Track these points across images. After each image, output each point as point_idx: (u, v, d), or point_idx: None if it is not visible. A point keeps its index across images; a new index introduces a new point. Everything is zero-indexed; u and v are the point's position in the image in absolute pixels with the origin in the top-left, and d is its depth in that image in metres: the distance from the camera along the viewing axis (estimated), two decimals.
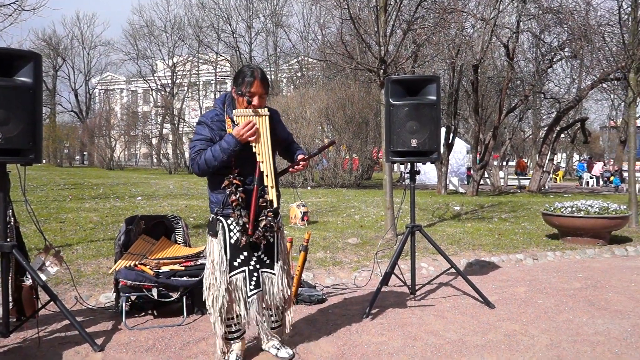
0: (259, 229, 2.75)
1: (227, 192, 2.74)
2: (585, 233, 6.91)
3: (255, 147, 2.73)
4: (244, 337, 2.96)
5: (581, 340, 3.36)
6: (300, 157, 2.97)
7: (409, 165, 4.32)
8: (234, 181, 2.74)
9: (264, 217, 2.76)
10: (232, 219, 2.76)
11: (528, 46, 17.09)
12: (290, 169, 2.99)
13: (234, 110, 2.78)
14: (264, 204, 2.77)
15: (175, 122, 37.94)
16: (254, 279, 2.81)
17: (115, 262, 3.85)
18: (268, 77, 2.91)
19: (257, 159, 2.73)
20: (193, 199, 11.92)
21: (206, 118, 2.83)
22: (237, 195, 2.73)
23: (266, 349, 3.06)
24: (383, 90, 5.64)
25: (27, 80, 3.04)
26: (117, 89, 53.29)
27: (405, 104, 4.03)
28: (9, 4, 6.57)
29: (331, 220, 8.73)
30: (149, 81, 42.15)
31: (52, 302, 3.29)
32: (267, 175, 2.71)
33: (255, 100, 2.74)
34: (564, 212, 6.99)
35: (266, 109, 2.79)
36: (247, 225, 2.72)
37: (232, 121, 2.77)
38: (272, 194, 2.71)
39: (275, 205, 2.74)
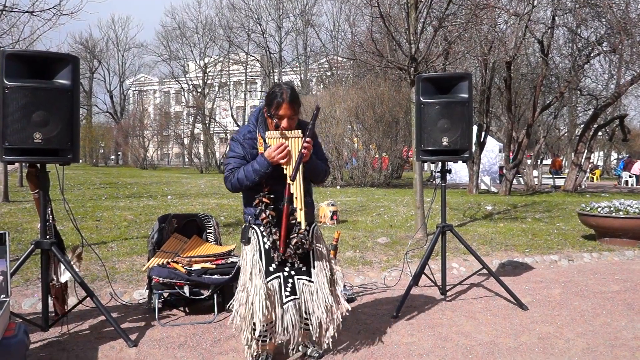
0: (290, 246, 2.76)
1: (258, 211, 2.77)
2: (624, 234, 6.69)
3: (286, 169, 2.74)
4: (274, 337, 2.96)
5: (619, 345, 3.26)
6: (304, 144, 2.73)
7: (439, 164, 4.26)
8: (264, 200, 2.76)
9: (295, 235, 2.77)
10: (264, 227, 2.80)
11: (564, 41, 16.64)
12: (302, 159, 2.74)
13: (266, 133, 2.78)
14: (293, 221, 2.77)
15: (207, 122, 38.49)
16: (289, 285, 2.81)
17: (149, 260, 3.93)
18: (298, 93, 2.84)
19: (288, 181, 2.74)
20: (224, 198, 12.07)
21: (239, 135, 2.86)
22: (267, 213, 2.75)
23: (296, 348, 3.07)
24: (414, 89, 5.59)
25: (65, 82, 3.13)
26: (150, 90, 54.41)
27: (437, 102, 3.99)
28: (49, 9, 6.78)
29: (360, 220, 8.70)
30: (181, 82, 42.91)
31: (88, 298, 3.39)
32: (296, 198, 2.72)
33: (283, 123, 2.74)
34: (602, 212, 6.78)
35: (299, 131, 2.78)
36: (278, 243, 2.74)
37: (264, 140, 2.78)
38: (300, 216, 2.72)
39: (303, 227, 2.74)
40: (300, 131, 2.79)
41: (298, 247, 2.77)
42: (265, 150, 2.74)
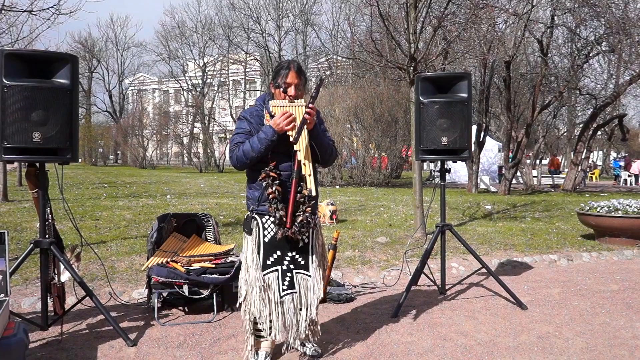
0: (295, 224, 2.74)
1: (264, 185, 2.74)
2: (623, 233, 6.70)
3: (291, 135, 2.73)
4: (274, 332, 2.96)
5: (618, 344, 3.26)
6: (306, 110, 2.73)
7: (438, 164, 4.27)
8: (271, 174, 2.74)
9: (301, 213, 2.75)
10: (267, 216, 2.78)
11: (563, 41, 16.63)
12: (305, 124, 2.72)
13: (270, 101, 2.80)
14: (302, 199, 2.76)
15: (206, 121, 38.49)
16: (287, 279, 2.81)
17: (148, 259, 3.93)
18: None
19: (295, 148, 2.72)
20: (223, 198, 12.06)
21: (246, 113, 2.88)
22: (274, 188, 2.73)
23: (295, 347, 3.07)
24: (413, 88, 5.59)
25: (64, 81, 3.13)
26: (150, 89, 54.36)
27: (436, 102, 3.99)
28: (48, 8, 6.78)
29: (360, 219, 8.71)
30: (180, 81, 42.89)
31: (87, 298, 3.39)
32: (304, 164, 2.71)
33: (290, 91, 2.76)
34: (601, 211, 6.78)
35: (302, 100, 2.79)
36: (285, 219, 2.71)
37: (271, 116, 2.79)
38: (309, 182, 2.70)
39: (314, 193, 2.73)
40: (303, 100, 2.80)
41: (303, 225, 2.75)
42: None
